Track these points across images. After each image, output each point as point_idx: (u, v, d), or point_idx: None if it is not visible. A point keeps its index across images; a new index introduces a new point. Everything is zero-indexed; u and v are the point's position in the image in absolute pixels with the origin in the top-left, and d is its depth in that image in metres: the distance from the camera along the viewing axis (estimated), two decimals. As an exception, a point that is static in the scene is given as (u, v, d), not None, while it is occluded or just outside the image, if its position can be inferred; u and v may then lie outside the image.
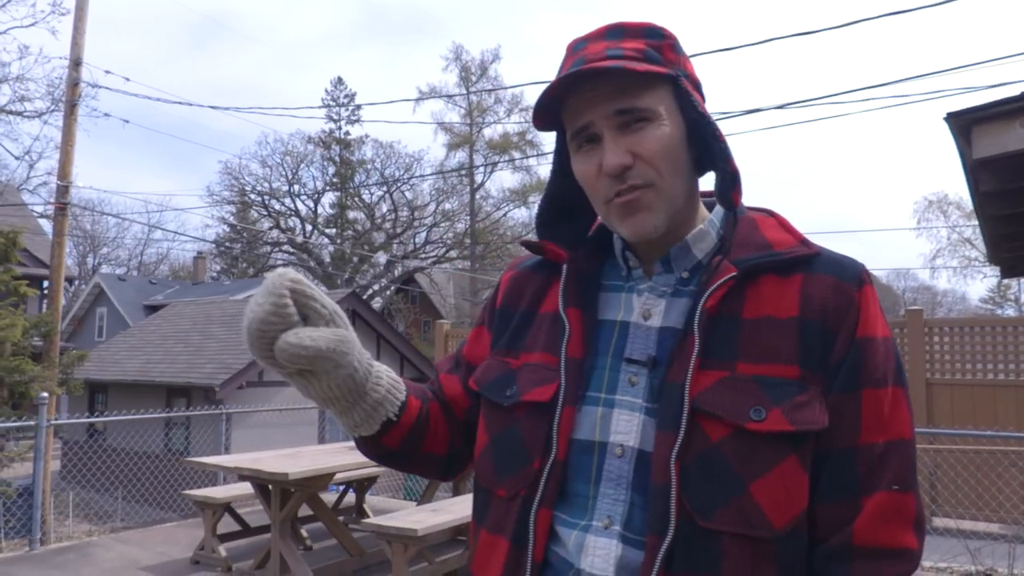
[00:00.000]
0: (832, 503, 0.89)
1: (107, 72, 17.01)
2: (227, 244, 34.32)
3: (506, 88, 30.59)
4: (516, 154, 31.41)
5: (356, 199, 33.49)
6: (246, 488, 5.87)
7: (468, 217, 32.39)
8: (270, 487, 5.04)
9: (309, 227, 34.24)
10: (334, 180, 33.36)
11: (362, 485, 6.70)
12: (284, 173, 33.95)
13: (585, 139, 0.98)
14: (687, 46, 1.03)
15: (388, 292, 33.42)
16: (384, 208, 34.13)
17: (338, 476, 5.62)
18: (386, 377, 1.00)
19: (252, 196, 33.96)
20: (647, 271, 1.02)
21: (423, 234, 34.44)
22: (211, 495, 5.70)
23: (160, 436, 15.42)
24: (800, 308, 0.91)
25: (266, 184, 33.96)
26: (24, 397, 10.77)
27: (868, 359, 0.90)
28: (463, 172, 30.92)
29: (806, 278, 0.93)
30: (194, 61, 69.38)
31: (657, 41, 0.99)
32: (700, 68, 1.05)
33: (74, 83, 12.60)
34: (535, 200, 32.38)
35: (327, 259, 33.16)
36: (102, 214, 31.41)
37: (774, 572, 0.86)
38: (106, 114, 15.05)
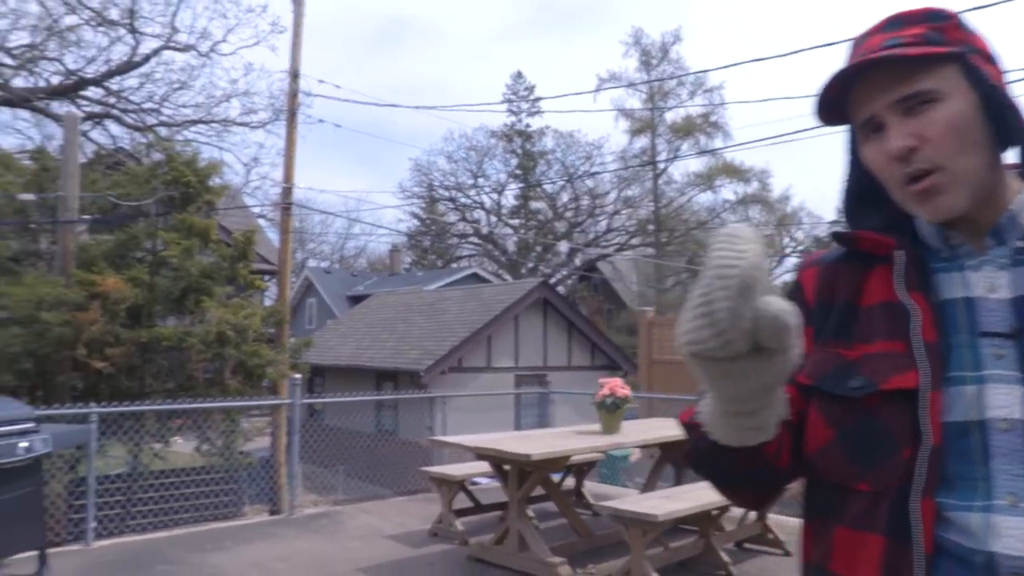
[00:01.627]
0: None
1: (320, 81, 18.34)
2: (418, 237, 36.24)
3: (691, 73, 29.81)
4: (700, 137, 30.60)
5: (538, 189, 34.16)
6: (479, 467, 6.19)
7: (651, 203, 32.01)
8: (505, 467, 5.29)
9: (494, 218, 35.40)
10: (517, 172, 34.22)
11: (581, 470, 6.85)
12: (469, 167, 35.32)
13: (871, 129, 0.99)
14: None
15: (571, 280, 33.82)
16: (565, 197, 34.59)
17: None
18: None
19: (440, 191, 35.65)
20: (977, 246, 1.00)
21: (605, 222, 34.52)
22: (448, 473, 6.06)
23: (371, 417, 16.61)
24: None
25: (452, 179, 35.50)
26: (261, 379, 11.79)
27: None
28: (645, 162, 30.54)
29: None
30: (375, 62, 73.61)
31: (939, 23, 0.99)
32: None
33: (293, 93, 13.74)
34: (721, 184, 31.40)
35: (511, 249, 34.10)
36: (315, 212, 34.32)
37: None
38: (320, 120, 16.31)
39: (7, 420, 4.73)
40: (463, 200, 35.54)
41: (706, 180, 31.32)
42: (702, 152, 30.27)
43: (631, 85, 30.94)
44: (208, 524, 9.31)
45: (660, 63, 31.55)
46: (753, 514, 5.76)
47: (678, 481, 6.28)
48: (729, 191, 32.10)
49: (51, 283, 9.00)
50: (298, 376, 7.36)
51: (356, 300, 27.63)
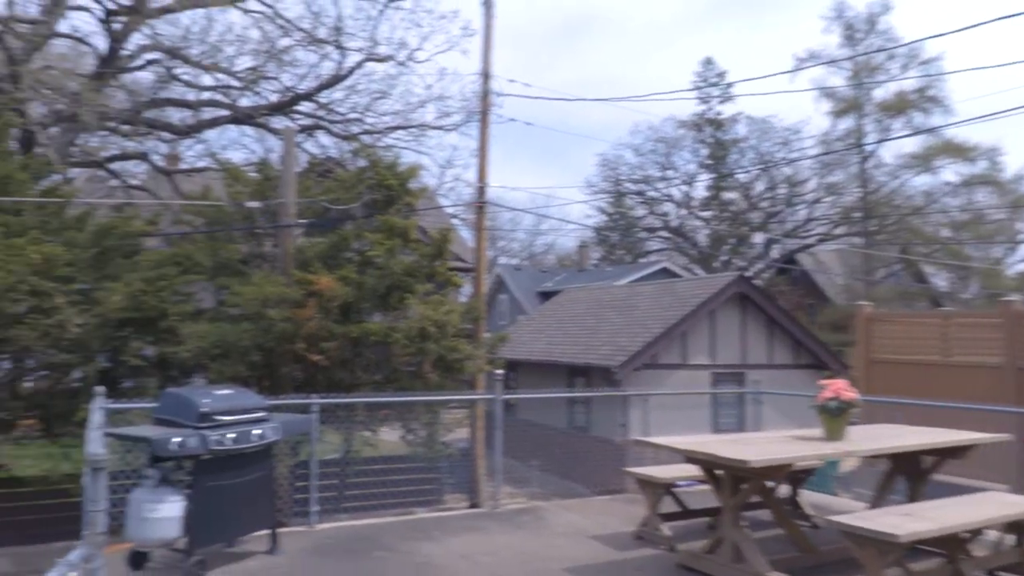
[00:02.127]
0: None
1: (510, 80, 18.67)
2: (606, 232, 36.06)
3: (904, 44, 27.17)
4: (915, 114, 27.81)
5: (731, 179, 32.77)
6: (683, 469, 5.88)
7: (858, 189, 29.57)
8: (717, 472, 4.96)
9: (683, 211, 34.43)
10: (707, 162, 33.03)
11: (797, 478, 6.33)
12: (657, 159, 34.60)
13: None
14: None
15: (767, 273, 32.11)
16: (761, 186, 32.89)
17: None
18: None
19: (627, 185, 35.23)
20: None
21: (805, 210, 32.41)
22: (653, 474, 5.81)
23: (563, 412, 16.65)
24: None
25: (640, 172, 34.95)
26: (459, 372, 12.05)
27: None
28: (851, 144, 28.25)
29: None
30: (562, 59, 74.17)
31: None
32: None
33: (485, 94, 14.01)
34: (941, 165, 28.34)
35: (703, 242, 32.96)
36: (505, 209, 35.33)
37: None
38: (511, 119, 16.49)
39: (243, 409, 5.12)
40: (651, 193, 34.91)
41: (923, 161, 28.37)
42: (918, 131, 27.49)
43: (833, 62, 28.78)
44: (415, 511, 9.69)
45: (867, 36, 29.08)
46: (1011, 538, 5.00)
47: (912, 496, 5.61)
48: (951, 172, 28.94)
49: (274, 282, 9.76)
50: (500, 372, 7.42)
51: (546, 296, 27.95)
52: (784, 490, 6.48)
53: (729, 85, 32.80)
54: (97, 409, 5.09)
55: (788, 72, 26.60)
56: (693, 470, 5.48)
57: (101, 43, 16.04)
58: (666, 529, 5.72)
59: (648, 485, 5.86)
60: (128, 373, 10.39)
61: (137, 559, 5.05)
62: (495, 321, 30.33)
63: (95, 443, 4.30)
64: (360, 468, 10.11)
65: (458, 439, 13.03)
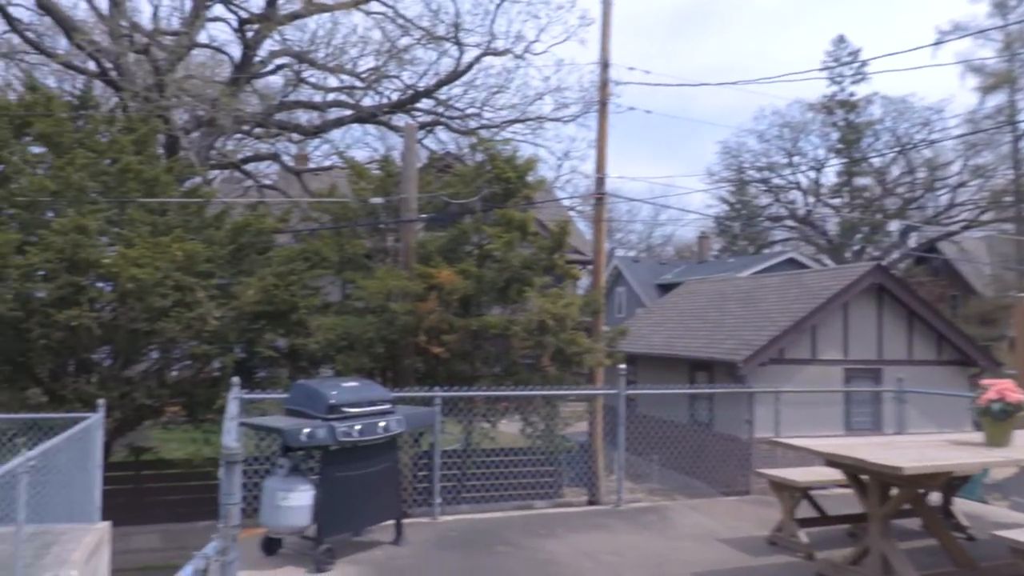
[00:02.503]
0: None
1: (630, 68, 18.32)
2: (728, 222, 34.89)
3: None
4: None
5: (864, 164, 30.89)
6: (819, 472, 5.50)
7: (1009, 171, 27.16)
8: (862, 477, 4.59)
9: (811, 199, 32.78)
10: (838, 147, 31.25)
11: (950, 485, 5.79)
12: (782, 145, 33.10)
13: None
14: None
15: (904, 263, 30.09)
16: (897, 171, 30.82)
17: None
18: None
19: (751, 172, 33.93)
20: None
21: (947, 195, 30.10)
22: (789, 477, 5.47)
23: (685, 407, 16.19)
24: None
25: (764, 159, 33.55)
26: (578, 366, 11.90)
27: None
28: (1002, 122, 25.97)
29: None
30: (682, 45, 72.26)
31: None
32: None
33: (604, 83, 13.75)
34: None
35: (832, 231, 31.25)
36: (623, 200, 34.86)
37: None
38: (631, 108, 16.16)
39: (370, 401, 5.19)
40: (776, 181, 33.47)
41: (1088, 137, 25.77)
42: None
43: (982, 32, 26.52)
44: (534, 505, 9.64)
45: (1020, 3, 26.59)
46: None
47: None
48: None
49: (397, 276, 9.95)
50: (623, 366, 7.24)
51: (665, 288, 27.34)
52: (935, 498, 5.96)
53: (863, 64, 30.95)
54: (232, 399, 5.30)
55: (929, 46, 24.73)
56: (831, 473, 5.10)
57: (236, 51, 16.96)
58: (803, 536, 5.37)
59: (784, 488, 5.52)
60: (262, 363, 10.91)
61: (270, 545, 5.23)
62: (612, 314, 29.98)
63: (229, 436, 4.46)
64: (480, 460, 10.17)
65: (576, 432, 12.90)
